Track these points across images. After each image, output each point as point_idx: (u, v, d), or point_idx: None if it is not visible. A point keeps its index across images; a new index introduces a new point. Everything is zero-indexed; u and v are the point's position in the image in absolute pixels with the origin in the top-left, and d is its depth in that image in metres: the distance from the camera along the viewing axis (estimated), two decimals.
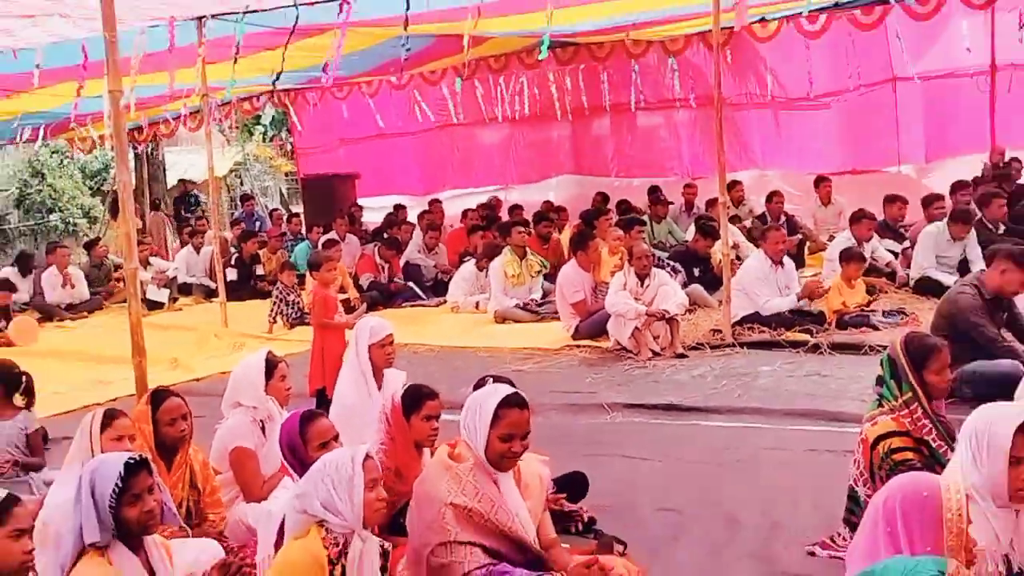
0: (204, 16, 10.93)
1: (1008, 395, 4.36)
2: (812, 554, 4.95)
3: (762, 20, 16.02)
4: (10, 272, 16.04)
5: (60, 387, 9.84)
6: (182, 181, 24.03)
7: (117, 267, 16.01)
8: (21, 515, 3.37)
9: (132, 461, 3.79)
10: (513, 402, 4.32)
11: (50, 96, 13.38)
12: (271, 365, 5.78)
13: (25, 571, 3.39)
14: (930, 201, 12.55)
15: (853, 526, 4.59)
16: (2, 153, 22.12)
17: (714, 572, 4.97)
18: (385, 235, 15.72)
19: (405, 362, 7.15)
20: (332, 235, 15.48)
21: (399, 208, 18.22)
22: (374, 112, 19.86)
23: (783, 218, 13.65)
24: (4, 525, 3.32)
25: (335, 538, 3.75)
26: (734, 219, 13.31)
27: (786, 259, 10.78)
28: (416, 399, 5.13)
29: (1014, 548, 3.57)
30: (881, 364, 4.96)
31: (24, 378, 6.45)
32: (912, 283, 11.46)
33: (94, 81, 10.26)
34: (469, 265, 13.45)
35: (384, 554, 4.02)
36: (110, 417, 4.85)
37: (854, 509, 4.79)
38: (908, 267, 11.69)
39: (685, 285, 11.27)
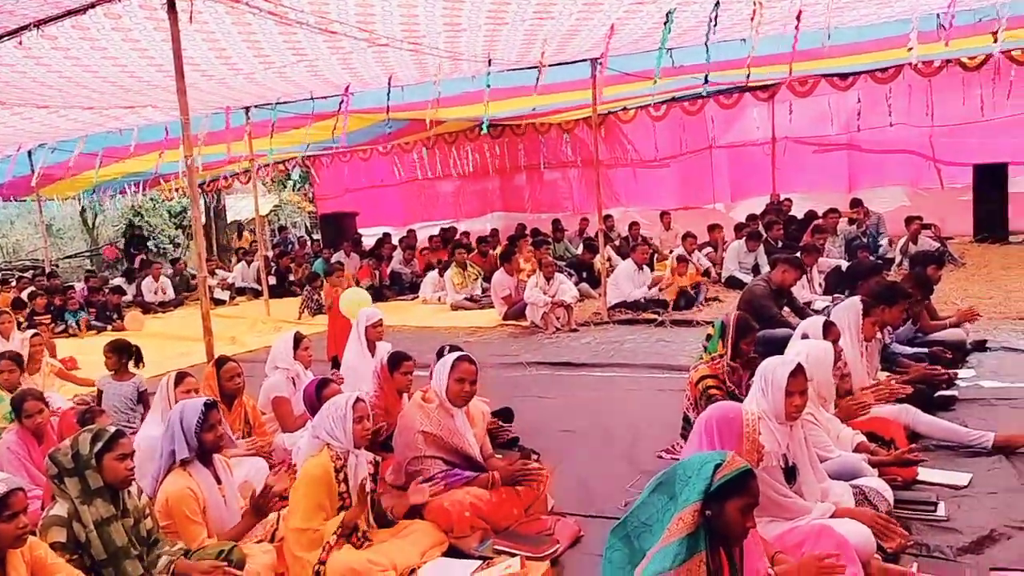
0: (250, 106, 10.80)
1: (782, 351, 4.42)
2: (660, 457, 4.98)
3: (624, 109, 16.19)
4: (120, 281, 16.13)
5: (155, 358, 9.67)
6: (130, 225, 23.51)
7: (193, 276, 15.74)
8: (125, 444, 3.29)
9: (208, 402, 3.83)
10: (465, 359, 4.42)
11: (142, 161, 13.14)
12: (298, 340, 5.75)
13: (128, 483, 3.31)
14: (738, 227, 12.75)
15: (686, 438, 4.62)
16: (115, 201, 21.65)
17: (598, 470, 4.98)
18: (376, 253, 15.58)
19: (390, 338, 7.07)
20: (340, 254, 15.36)
21: (386, 235, 18.11)
22: (367, 170, 19.93)
23: (640, 239, 13.74)
24: (112, 451, 3.24)
25: (338, 454, 3.75)
26: (608, 240, 13.37)
27: (644, 265, 10.88)
28: (397, 361, 5.11)
29: (788, 450, 3.62)
30: (712, 326, 5.00)
31: (135, 350, 6.32)
32: (723, 280, 11.60)
33: (171, 151, 10.13)
34: (433, 273, 13.39)
35: (376, 465, 3.98)
36: (181, 377, 4.77)
37: (686, 427, 4.81)
38: (721, 270, 11.85)
39: (577, 284, 11.30)
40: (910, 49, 6.07)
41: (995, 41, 6.05)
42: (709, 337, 4.96)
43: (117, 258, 22.70)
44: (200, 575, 3.28)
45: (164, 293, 15.42)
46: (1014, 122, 13.02)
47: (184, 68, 5.95)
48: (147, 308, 14.79)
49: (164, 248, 25.46)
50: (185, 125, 6.05)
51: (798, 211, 14.07)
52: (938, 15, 6.35)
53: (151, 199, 24.95)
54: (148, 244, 24.48)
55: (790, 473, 3.58)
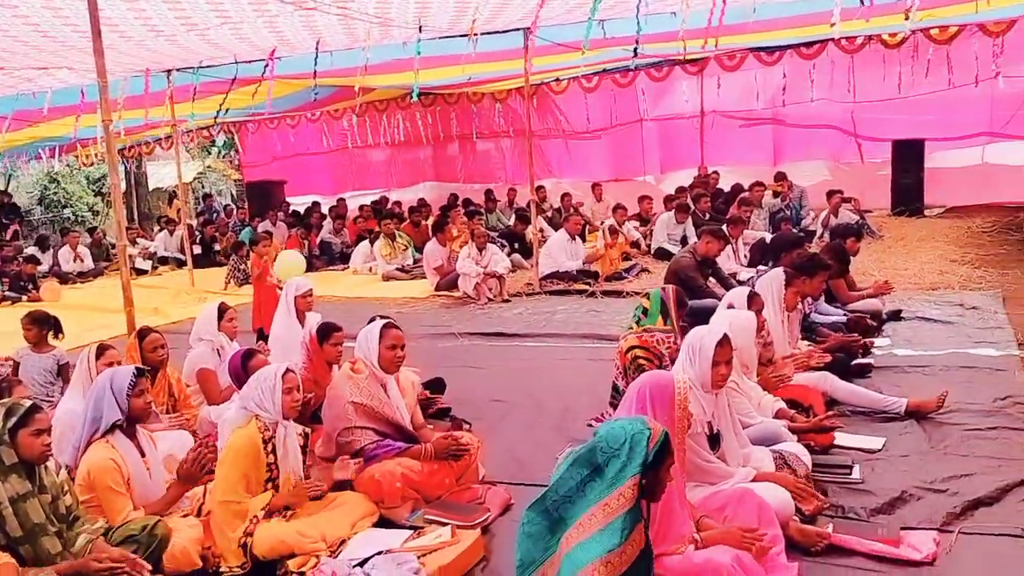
0: (171, 69, 10.42)
1: (708, 322, 4.50)
2: (590, 425, 5.02)
3: (556, 80, 16.16)
4: (33, 250, 15.40)
5: (74, 330, 9.37)
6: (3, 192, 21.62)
7: (113, 246, 15.24)
8: (41, 419, 3.18)
9: (139, 368, 3.81)
10: (392, 325, 4.42)
11: (58, 126, 12.57)
12: (222, 311, 5.61)
13: (45, 459, 3.21)
14: (667, 200, 12.90)
15: (614, 406, 4.67)
16: (28, 166, 20.71)
17: (528, 440, 5.01)
18: (305, 222, 15.30)
19: (320, 308, 6.97)
20: (267, 223, 15.03)
21: (315, 204, 17.81)
22: (295, 138, 19.52)
23: (572, 209, 13.78)
24: (28, 426, 3.13)
25: (266, 425, 3.70)
26: (541, 211, 13.40)
27: (576, 236, 10.95)
28: (327, 332, 5.03)
29: (714, 417, 3.71)
30: (650, 299, 5.05)
31: (55, 322, 6.09)
32: (652, 251, 11.75)
33: (88, 115, 9.75)
34: (364, 243, 13.19)
35: (305, 436, 3.94)
36: (102, 349, 4.64)
37: (615, 395, 4.85)
38: (651, 241, 12.00)
39: (509, 254, 11.30)
40: (833, 25, 6.23)
41: (906, 19, 6.27)
42: (645, 311, 5.02)
43: None
44: (111, 564, 3.15)
45: (82, 262, 14.93)
46: (931, 100, 13.43)
47: (101, 28, 5.70)
48: (64, 278, 14.28)
49: (83, 216, 24.51)
50: (103, 88, 5.81)
51: (725, 184, 14.34)
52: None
53: (68, 165, 23.99)
54: (64, 211, 23.57)
55: (714, 439, 3.68)
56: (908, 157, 13.17)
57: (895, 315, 7.13)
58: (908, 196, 13.17)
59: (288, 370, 3.80)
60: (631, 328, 5.05)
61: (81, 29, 6.87)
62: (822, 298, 6.64)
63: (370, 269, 12.64)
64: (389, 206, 16.51)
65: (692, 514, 3.20)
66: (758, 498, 3.32)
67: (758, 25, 9.73)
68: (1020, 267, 8.83)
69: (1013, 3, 10.45)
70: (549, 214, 14.23)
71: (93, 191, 25.60)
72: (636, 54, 9.92)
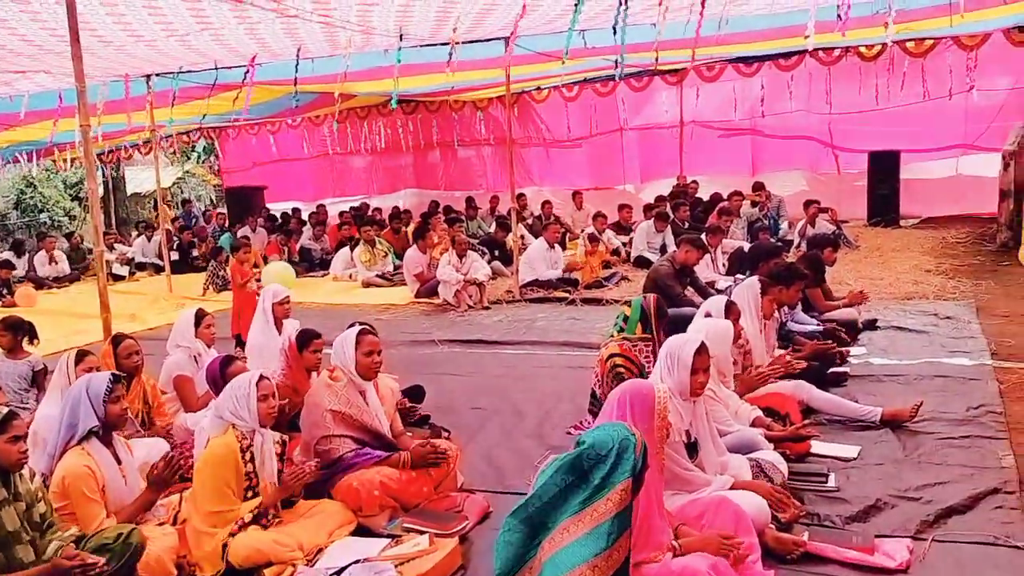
0: (151, 74, 10.35)
1: (686, 329, 4.53)
2: (569, 433, 5.04)
3: (538, 88, 16.22)
4: (9, 255, 15.20)
5: (50, 336, 9.28)
6: None
7: (90, 250, 15.08)
8: (18, 425, 3.14)
9: (116, 375, 3.78)
10: (368, 331, 4.40)
11: (36, 130, 12.45)
12: (200, 317, 5.57)
13: (20, 466, 3.16)
14: (647, 208, 12.97)
15: (594, 414, 4.70)
16: (5, 170, 20.45)
17: (508, 447, 5.01)
18: (284, 228, 15.22)
19: (300, 315, 6.96)
20: (247, 229, 14.94)
21: (294, 210, 17.76)
22: (276, 144, 19.51)
23: (552, 218, 13.83)
24: (4, 432, 3.08)
25: (243, 433, 3.68)
26: (521, 219, 13.42)
27: (556, 244, 10.97)
28: (306, 339, 5.00)
29: (692, 425, 3.73)
30: (630, 307, 5.07)
31: (28, 327, 6.02)
32: (632, 260, 11.79)
33: (66, 120, 9.67)
34: (345, 250, 13.13)
35: (283, 444, 3.92)
36: (82, 355, 4.61)
37: (594, 403, 4.89)
38: (631, 249, 12.04)
39: (490, 262, 11.32)
40: (807, 37, 6.33)
41: (886, 29, 6.40)
42: (627, 319, 5.04)
43: None
44: (82, 562, 3.09)
45: (58, 267, 14.75)
46: (907, 112, 13.62)
47: (79, 32, 5.66)
48: (40, 283, 14.10)
49: (59, 221, 24.24)
50: (81, 93, 5.76)
51: (704, 193, 14.42)
52: (837, 6, 6.64)
53: (45, 169, 23.75)
54: (40, 216, 23.31)
55: (692, 448, 3.70)
56: (884, 168, 13.32)
57: (871, 324, 7.20)
58: (884, 207, 13.33)
59: (262, 377, 3.78)
60: (612, 336, 5.07)
61: (59, 34, 6.83)
62: (799, 307, 6.70)
63: (350, 276, 12.59)
64: (370, 213, 16.47)
65: (670, 522, 3.22)
66: (735, 506, 3.34)
67: (735, 37, 9.84)
68: (993, 278, 8.94)
69: (986, 17, 10.64)
70: (530, 222, 14.26)
71: (70, 196, 25.33)
72: (618, 64, 10.01)
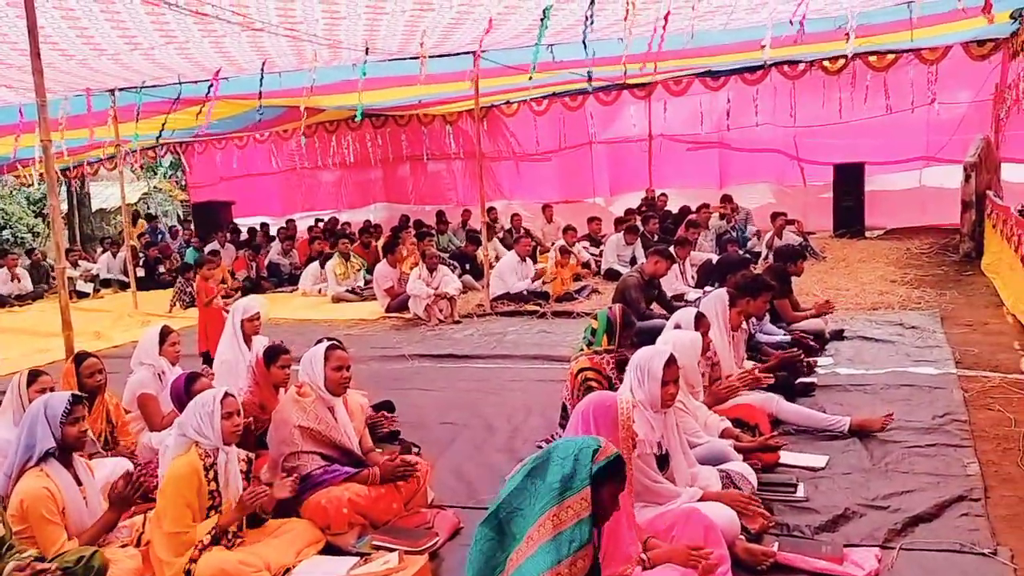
0: (114, 88, 10.23)
1: (655, 341, 4.54)
2: (539, 447, 4.94)
3: (507, 103, 16.28)
4: None
5: (10, 355, 9.15)
6: None
7: (52, 267, 14.83)
8: None
9: (76, 395, 3.70)
10: (336, 346, 4.38)
11: None
12: (164, 335, 5.47)
13: None
14: (617, 221, 13.03)
15: (564, 428, 4.68)
16: None
17: (478, 462, 4.99)
18: (252, 243, 15.08)
19: (269, 331, 6.87)
20: (215, 244, 14.79)
21: (262, 225, 17.62)
22: (243, 158, 19.40)
23: (523, 230, 13.84)
24: None
25: (207, 451, 3.62)
26: (492, 233, 13.42)
27: (527, 258, 10.98)
28: (274, 354, 4.93)
29: (663, 437, 3.73)
30: (597, 320, 5.07)
31: None
32: (603, 272, 11.83)
33: (28, 135, 9.51)
34: (314, 265, 13.04)
35: (249, 462, 3.86)
36: (34, 376, 4.49)
37: (565, 417, 4.84)
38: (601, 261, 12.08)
39: (460, 276, 11.29)
40: (763, 47, 6.47)
41: (847, 41, 6.55)
42: (594, 332, 5.05)
43: None
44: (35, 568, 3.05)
45: (21, 284, 14.48)
46: (870, 125, 13.84)
47: (40, 46, 5.58)
48: (2, 301, 13.85)
49: (23, 238, 23.82)
50: (41, 107, 5.66)
51: (673, 206, 14.54)
52: (791, 22, 6.77)
53: (6, 184, 23.34)
54: (2, 232, 22.88)
55: (662, 460, 3.70)
56: (849, 180, 13.52)
57: (837, 335, 7.27)
58: (849, 218, 13.52)
59: (227, 394, 3.72)
60: (582, 350, 5.06)
61: (20, 47, 6.72)
62: (767, 318, 6.75)
63: (319, 291, 12.51)
64: (339, 227, 16.38)
65: (639, 535, 3.21)
66: (705, 517, 3.34)
67: (698, 51, 9.94)
68: (957, 287, 9.09)
69: (945, 32, 10.87)
70: (500, 235, 14.27)
71: (34, 212, 24.91)
72: (591, 78, 10.08)
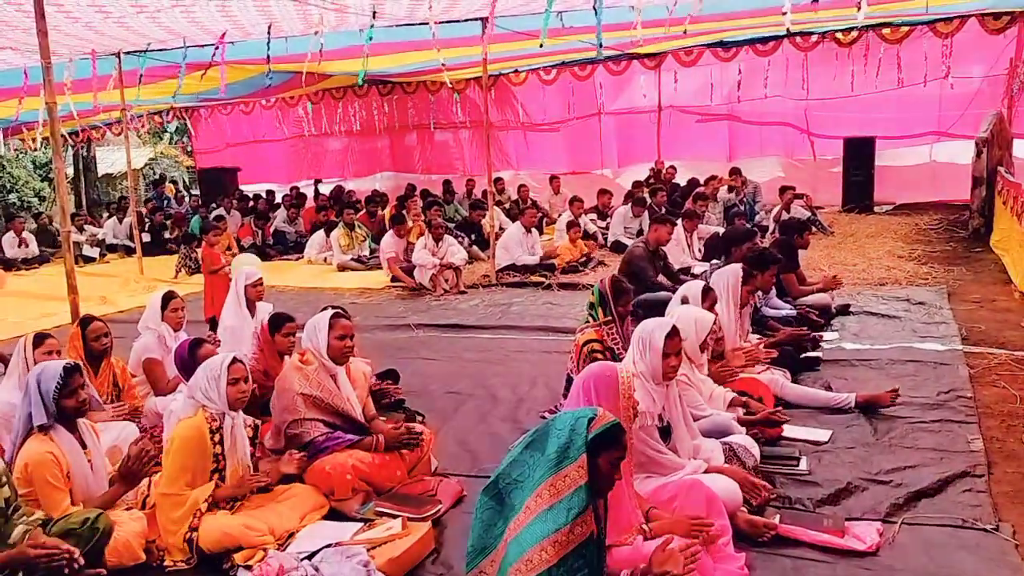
0: (119, 52, 10.14)
1: (662, 313, 4.53)
2: (543, 417, 4.99)
3: (515, 71, 16.13)
4: None
5: (17, 319, 9.19)
6: None
7: (59, 232, 14.84)
8: None
9: (68, 366, 3.61)
10: (341, 314, 4.35)
11: (1, 107, 12.19)
12: (167, 300, 5.47)
13: None
14: (628, 194, 12.97)
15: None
16: None
17: (482, 430, 5.01)
18: (258, 210, 15.05)
19: (273, 298, 6.89)
20: (220, 211, 14.76)
21: (269, 192, 17.59)
22: (250, 125, 19.23)
23: (530, 201, 13.78)
24: None
25: (213, 416, 3.63)
26: (498, 202, 13.37)
27: (532, 229, 10.94)
28: (279, 322, 4.94)
29: (664, 409, 3.73)
30: (592, 294, 5.07)
31: None
32: (609, 245, 11.80)
33: (32, 98, 9.47)
34: (319, 233, 13.02)
35: (255, 428, 3.88)
36: (41, 338, 4.49)
37: (569, 388, 4.90)
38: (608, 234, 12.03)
39: (468, 246, 11.27)
40: (784, 14, 6.37)
41: (858, 10, 6.45)
42: (592, 305, 5.04)
43: None
44: (48, 551, 2.98)
45: (28, 249, 14.52)
46: (882, 99, 13.69)
47: (45, 7, 5.53)
48: (9, 265, 13.89)
49: (29, 202, 23.84)
50: (46, 70, 5.64)
51: (681, 179, 14.45)
52: None
53: (15, 149, 23.32)
54: (9, 196, 22.90)
55: (665, 431, 3.70)
56: (859, 155, 13.41)
57: (844, 309, 7.25)
58: (858, 193, 13.43)
59: (235, 360, 3.73)
60: (587, 321, 5.06)
61: (25, 8, 6.67)
62: (773, 292, 6.73)
63: (325, 259, 12.51)
64: (344, 195, 16.35)
65: (641, 505, 3.22)
66: (707, 489, 3.35)
67: (712, 17, 9.80)
68: (965, 264, 9.05)
69: (960, 1, 10.69)
70: (507, 206, 14.22)
71: (40, 176, 24.93)
72: (601, 46, 9.93)
